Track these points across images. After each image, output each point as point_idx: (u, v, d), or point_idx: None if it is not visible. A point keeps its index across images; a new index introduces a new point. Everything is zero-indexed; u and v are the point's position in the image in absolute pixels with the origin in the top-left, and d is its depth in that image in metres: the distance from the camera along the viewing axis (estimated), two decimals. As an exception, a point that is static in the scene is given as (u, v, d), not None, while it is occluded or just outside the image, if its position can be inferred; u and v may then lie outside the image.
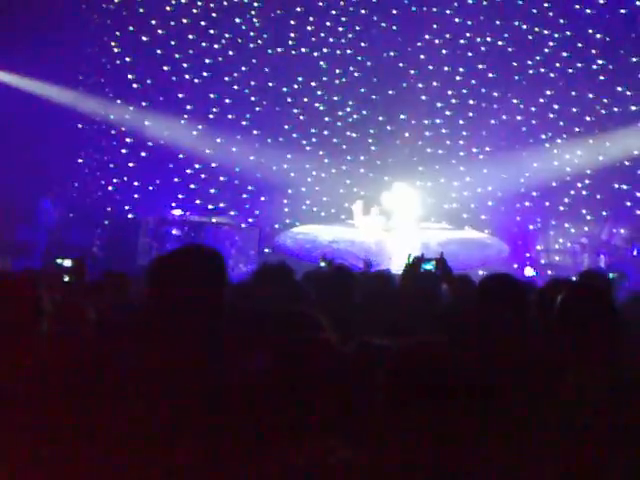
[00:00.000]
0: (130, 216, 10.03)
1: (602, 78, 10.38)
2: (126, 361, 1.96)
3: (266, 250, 9.68)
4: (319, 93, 10.65)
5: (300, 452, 1.45)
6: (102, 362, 2.04)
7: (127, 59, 10.62)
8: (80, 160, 10.47)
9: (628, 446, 1.45)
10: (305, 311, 2.15)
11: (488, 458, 1.50)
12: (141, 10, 10.65)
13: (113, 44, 10.62)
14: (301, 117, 10.62)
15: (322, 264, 5.96)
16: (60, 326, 2.34)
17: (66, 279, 3.79)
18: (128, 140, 10.52)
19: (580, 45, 10.48)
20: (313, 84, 10.64)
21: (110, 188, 10.49)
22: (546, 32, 10.54)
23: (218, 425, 1.67)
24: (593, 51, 10.45)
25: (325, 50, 10.70)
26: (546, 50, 10.53)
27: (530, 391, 1.66)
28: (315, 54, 10.70)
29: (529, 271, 9.21)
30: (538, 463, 1.52)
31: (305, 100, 10.61)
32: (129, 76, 10.56)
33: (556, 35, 10.54)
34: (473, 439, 1.48)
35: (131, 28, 10.61)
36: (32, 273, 4.25)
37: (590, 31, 10.47)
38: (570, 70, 10.46)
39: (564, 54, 10.51)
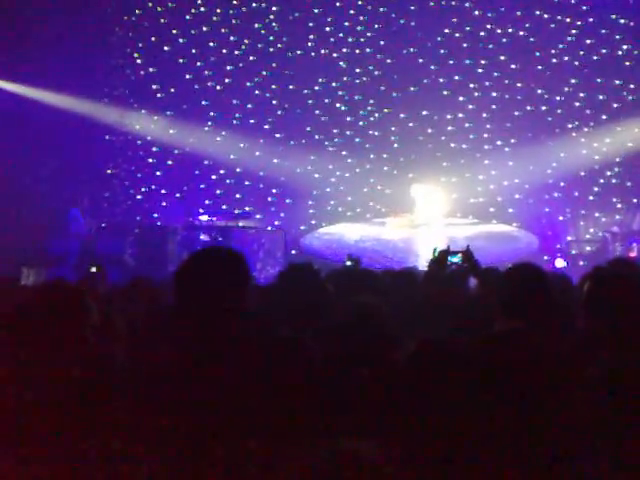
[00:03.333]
0: (159, 224, 10.19)
1: (628, 64, 10.17)
2: (154, 363, 2.01)
3: (293, 252, 9.72)
4: (340, 93, 10.65)
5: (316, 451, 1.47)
6: (132, 367, 2.09)
7: (150, 69, 10.80)
8: (109, 171, 10.69)
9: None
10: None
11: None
12: (162, 20, 10.83)
13: (136, 55, 10.82)
14: (323, 118, 10.64)
15: (348, 263, 5.98)
16: (94, 335, 2.39)
17: None
18: (154, 149, 10.70)
19: (604, 31, 10.28)
20: (334, 84, 10.64)
21: (138, 197, 10.68)
22: (568, 20, 10.35)
23: (244, 423, 1.70)
24: (617, 37, 10.24)
25: (345, 50, 10.69)
26: (569, 38, 10.35)
27: (554, 382, 1.65)
28: (335, 55, 10.70)
29: (560, 262, 9.07)
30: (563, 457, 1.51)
31: (326, 101, 10.63)
32: (153, 86, 10.74)
33: (579, 22, 10.36)
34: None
35: (153, 39, 10.80)
36: (81, 284, 4.31)
37: (613, 16, 10.26)
38: (595, 57, 10.27)
39: (588, 41, 10.32)
